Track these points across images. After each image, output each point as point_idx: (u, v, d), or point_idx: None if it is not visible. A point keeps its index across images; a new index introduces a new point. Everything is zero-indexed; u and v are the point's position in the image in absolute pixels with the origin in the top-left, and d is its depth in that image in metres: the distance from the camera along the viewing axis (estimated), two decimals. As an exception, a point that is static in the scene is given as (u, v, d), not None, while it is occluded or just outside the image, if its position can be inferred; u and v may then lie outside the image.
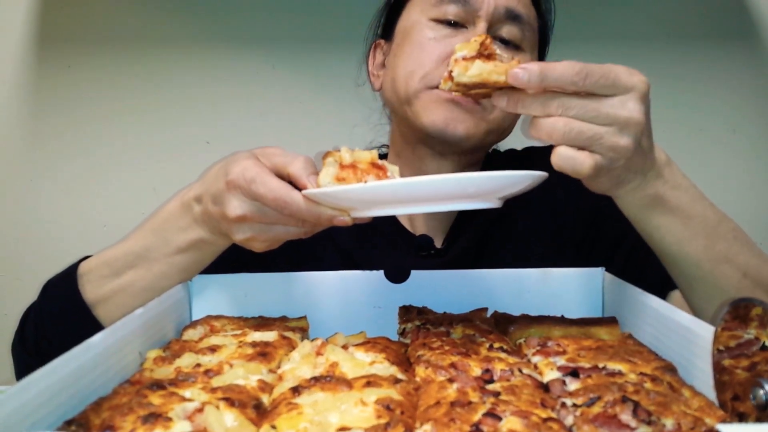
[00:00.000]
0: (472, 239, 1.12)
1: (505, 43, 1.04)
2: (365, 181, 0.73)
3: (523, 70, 0.69)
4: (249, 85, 1.66)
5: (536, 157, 1.19)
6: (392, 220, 1.13)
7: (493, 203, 0.75)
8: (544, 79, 0.69)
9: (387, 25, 1.17)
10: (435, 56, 1.02)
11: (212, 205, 0.82)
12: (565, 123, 0.70)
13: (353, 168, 0.75)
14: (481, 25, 1.01)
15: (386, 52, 1.15)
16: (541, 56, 1.15)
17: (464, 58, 0.74)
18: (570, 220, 1.15)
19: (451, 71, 0.75)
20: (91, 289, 0.92)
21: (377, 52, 1.18)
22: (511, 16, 1.03)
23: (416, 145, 1.09)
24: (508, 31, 1.04)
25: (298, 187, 0.76)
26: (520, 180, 0.72)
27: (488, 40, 0.74)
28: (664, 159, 0.80)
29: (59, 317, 0.92)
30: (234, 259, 0.95)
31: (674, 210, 0.81)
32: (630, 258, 1.06)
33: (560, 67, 0.69)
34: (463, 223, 1.13)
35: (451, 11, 1.03)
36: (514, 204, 1.14)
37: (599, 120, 0.70)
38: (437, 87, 0.99)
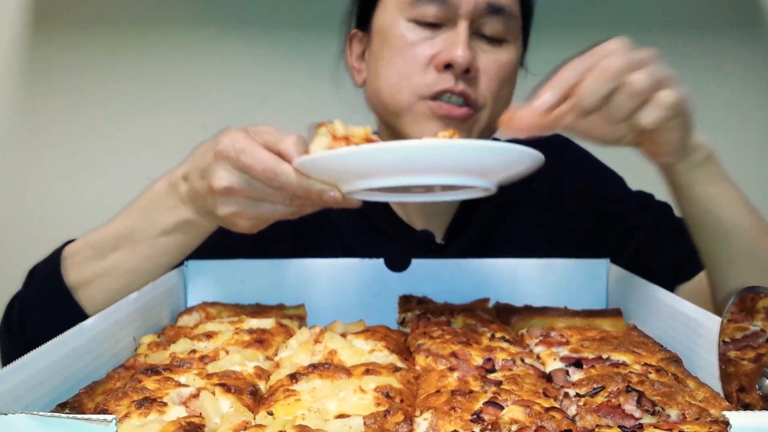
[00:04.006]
0: (474, 235, 1.11)
1: (489, 39, 0.99)
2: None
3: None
4: (247, 69, 1.64)
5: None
6: (393, 216, 1.11)
7: (488, 183, 0.71)
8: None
9: (362, 17, 1.11)
10: (419, 63, 0.97)
11: (199, 179, 0.79)
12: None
13: (346, 140, 0.72)
14: (462, 24, 0.96)
15: (364, 44, 1.10)
16: (525, 42, 1.10)
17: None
18: (576, 216, 1.13)
19: None
20: (74, 272, 0.89)
21: (354, 43, 1.12)
22: (493, 10, 0.98)
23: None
24: (490, 26, 0.99)
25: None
26: (519, 157, 0.68)
27: (456, 135, 0.73)
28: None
29: (42, 301, 0.90)
30: (230, 249, 0.94)
31: (721, 178, 0.82)
32: (640, 251, 1.04)
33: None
34: (463, 218, 1.11)
35: (430, 12, 0.97)
36: (517, 199, 1.13)
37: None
38: (428, 97, 0.96)
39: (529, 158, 0.68)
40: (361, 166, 0.67)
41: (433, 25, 0.98)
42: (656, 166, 0.83)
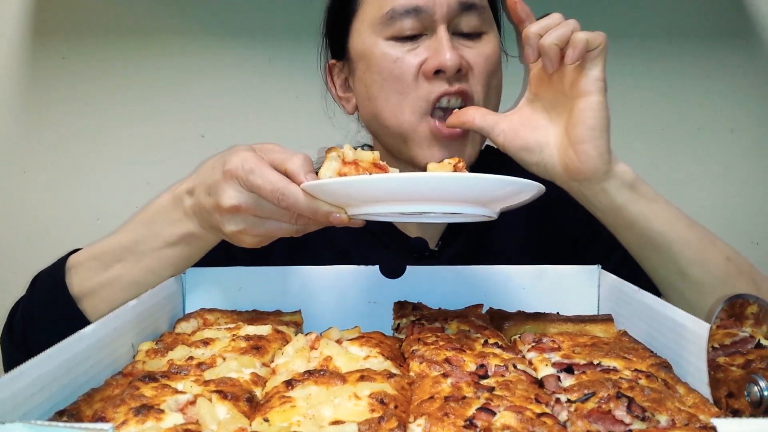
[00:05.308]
0: (465, 242, 1.11)
1: (467, 35, 1.01)
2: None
3: None
4: (245, 79, 1.64)
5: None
6: (387, 223, 1.12)
7: (490, 212, 0.73)
8: None
9: (335, 46, 1.13)
10: (410, 76, 0.99)
11: (205, 196, 0.81)
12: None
13: (355, 165, 0.74)
14: (441, 28, 0.98)
15: (345, 72, 1.11)
16: (499, 27, 1.11)
17: None
18: (564, 223, 1.14)
19: None
20: (78, 282, 0.90)
21: (334, 74, 1.14)
22: (466, 7, 1.00)
23: (406, 165, 1.07)
24: (466, 22, 1.00)
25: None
26: (522, 189, 0.71)
27: (461, 164, 0.75)
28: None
29: (45, 310, 0.91)
30: (227, 257, 0.94)
31: (653, 197, 0.87)
32: (626, 258, 1.05)
33: None
34: (456, 226, 1.12)
35: (407, 26, 0.99)
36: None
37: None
38: (429, 112, 0.99)
39: (531, 190, 0.71)
40: (370, 193, 0.70)
41: (412, 37, 1.00)
42: (585, 199, 0.89)
